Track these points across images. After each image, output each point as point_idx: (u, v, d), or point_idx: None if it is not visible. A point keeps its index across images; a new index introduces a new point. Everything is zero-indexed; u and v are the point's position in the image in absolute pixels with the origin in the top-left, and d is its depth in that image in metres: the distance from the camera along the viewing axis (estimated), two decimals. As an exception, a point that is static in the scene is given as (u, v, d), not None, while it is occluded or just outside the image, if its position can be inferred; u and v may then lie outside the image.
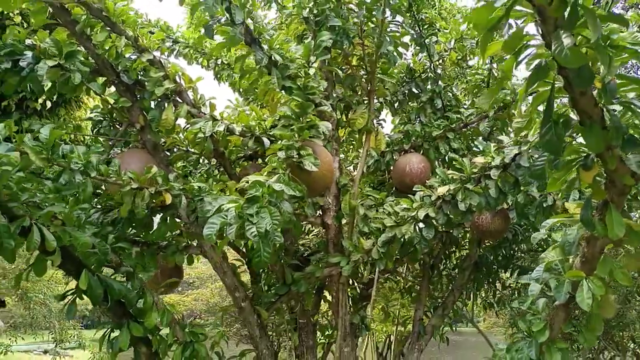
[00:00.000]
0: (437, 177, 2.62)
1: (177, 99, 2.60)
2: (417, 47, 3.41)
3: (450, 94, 3.61)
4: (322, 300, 3.55)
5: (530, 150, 2.12)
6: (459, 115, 3.36)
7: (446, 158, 3.40)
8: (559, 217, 1.78)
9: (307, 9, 2.37)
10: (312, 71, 2.27)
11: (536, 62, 1.20)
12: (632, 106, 1.20)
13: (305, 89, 2.26)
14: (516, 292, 4.75)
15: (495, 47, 1.24)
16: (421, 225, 2.56)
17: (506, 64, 1.30)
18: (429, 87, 3.56)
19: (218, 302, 9.89)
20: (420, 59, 3.51)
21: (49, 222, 1.90)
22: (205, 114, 2.62)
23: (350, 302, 3.27)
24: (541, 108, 1.27)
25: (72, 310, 2.24)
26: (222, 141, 2.68)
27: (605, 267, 1.56)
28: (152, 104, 2.57)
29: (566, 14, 1.00)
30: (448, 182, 2.53)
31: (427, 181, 2.93)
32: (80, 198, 2.05)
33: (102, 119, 2.92)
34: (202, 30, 2.11)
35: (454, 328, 4.70)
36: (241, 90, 3.34)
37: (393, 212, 2.73)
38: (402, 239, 2.62)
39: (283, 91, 2.32)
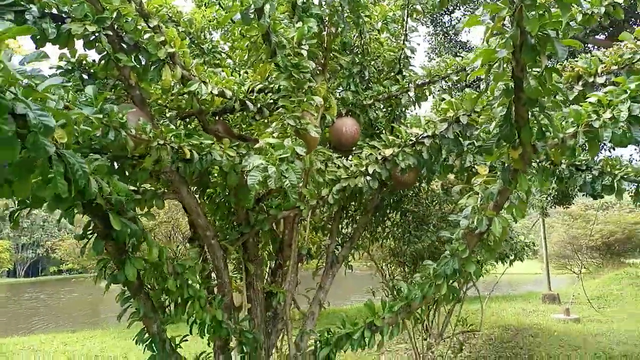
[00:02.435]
0: (382, 141, 3.40)
1: (170, 61, 2.87)
2: (353, 25, 4.03)
3: (374, 68, 4.36)
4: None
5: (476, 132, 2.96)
6: (383, 88, 4.14)
7: (372, 122, 4.19)
8: (480, 176, 2.71)
9: (300, -1, 2.85)
10: (304, 52, 2.79)
11: (503, 83, 1.99)
12: (549, 115, 2.08)
13: (299, 67, 2.78)
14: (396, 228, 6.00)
15: (480, 72, 1.99)
16: (369, 178, 3.34)
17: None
18: (357, 60, 4.26)
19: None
20: (355, 36, 4.15)
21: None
22: (194, 76, 2.95)
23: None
24: (500, 110, 2.08)
25: (99, 247, 2.55)
26: (210, 102, 3.05)
27: (510, 208, 2.52)
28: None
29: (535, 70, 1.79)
30: (391, 145, 3.33)
31: (358, 140, 3.74)
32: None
33: (70, 69, 3.00)
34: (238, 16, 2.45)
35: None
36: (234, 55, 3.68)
37: (343, 167, 3.45)
38: (351, 188, 3.38)
39: (277, 67, 2.80)
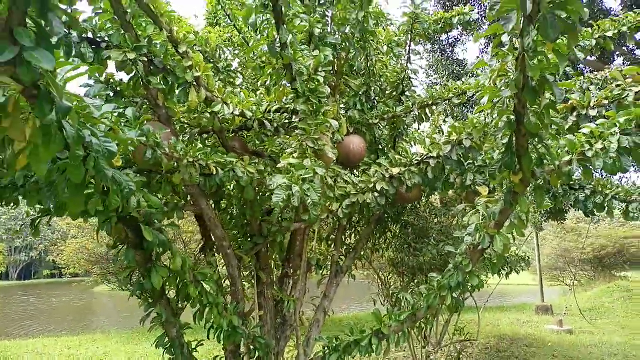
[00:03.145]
0: (388, 159, 3.63)
1: (195, 83, 3.09)
2: (361, 50, 4.28)
3: (379, 88, 4.60)
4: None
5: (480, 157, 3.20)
6: (388, 108, 4.38)
7: (378, 139, 4.42)
8: (482, 196, 2.94)
9: (317, 29, 3.08)
10: (321, 79, 3.02)
11: (506, 117, 2.22)
12: (546, 145, 2.31)
13: (316, 92, 3.01)
14: (396, 240, 6.22)
15: (487, 107, 2.22)
16: (376, 194, 3.56)
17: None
18: (362, 81, 4.50)
19: (104, 251, 9.85)
20: (362, 59, 4.39)
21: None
22: (217, 97, 3.17)
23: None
24: (504, 140, 2.32)
25: (130, 257, 2.75)
26: (230, 121, 3.27)
27: (510, 227, 2.75)
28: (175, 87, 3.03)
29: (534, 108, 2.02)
30: (397, 164, 3.55)
31: (364, 157, 3.98)
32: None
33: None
34: (265, 48, 2.68)
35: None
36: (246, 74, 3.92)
37: (352, 183, 3.67)
38: (360, 204, 3.60)
39: (295, 92, 3.03)
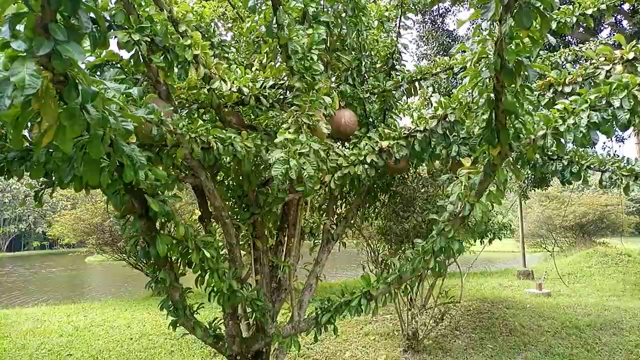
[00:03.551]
0: (378, 133, 3.82)
1: (194, 61, 3.22)
2: (352, 26, 4.39)
3: (369, 63, 4.74)
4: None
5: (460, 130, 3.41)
6: (378, 82, 4.54)
7: (368, 113, 4.59)
8: (464, 167, 3.16)
9: (311, 8, 3.21)
10: (315, 57, 3.16)
11: (486, 95, 2.42)
12: (522, 121, 2.52)
13: (310, 70, 3.16)
14: (385, 208, 6.48)
15: (470, 85, 2.41)
16: (367, 166, 3.77)
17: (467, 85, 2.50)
18: (354, 56, 4.63)
19: (99, 222, 10.02)
20: (353, 36, 4.51)
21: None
22: (215, 74, 3.31)
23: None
24: (485, 116, 2.52)
25: (137, 226, 2.94)
26: (228, 96, 3.42)
27: (490, 196, 2.99)
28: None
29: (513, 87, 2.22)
30: (386, 138, 3.75)
31: (355, 130, 4.16)
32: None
33: (100, 64, 3.32)
34: (263, 29, 2.81)
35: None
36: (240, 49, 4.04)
37: (344, 156, 3.87)
38: (351, 175, 3.80)
39: (290, 69, 3.17)
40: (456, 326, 7.11)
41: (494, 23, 1.99)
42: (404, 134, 3.71)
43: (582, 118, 2.57)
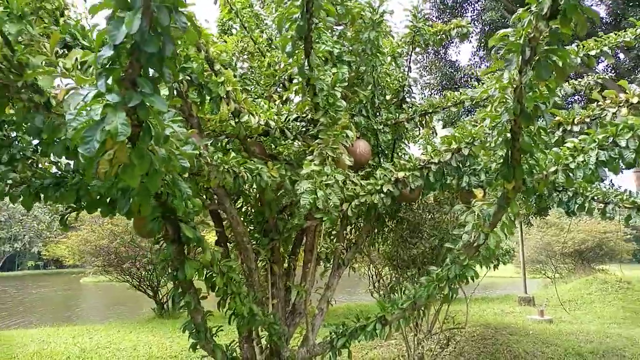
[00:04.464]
0: (393, 164, 4.02)
1: (226, 97, 3.43)
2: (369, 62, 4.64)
3: (382, 96, 4.98)
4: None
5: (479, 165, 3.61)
6: (391, 114, 4.77)
7: (379, 143, 4.81)
8: (478, 199, 3.35)
9: (336, 49, 3.45)
10: (338, 94, 3.39)
11: (504, 135, 2.62)
12: (535, 159, 2.73)
13: (334, 106, 3.38)
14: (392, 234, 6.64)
15: (490, 126, 2.62)
16: (383, 195, 3.96)
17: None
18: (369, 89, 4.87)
19: (107, 243, 10.12)
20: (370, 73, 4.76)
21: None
22: (244, 108, 3.52)
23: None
24: (501, 152, 2.72)
25: (170, 251, 3.10)
26: (254, 129, 3.62)
27: (502, 226, 3.17)
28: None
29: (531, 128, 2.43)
30: (402, 168, 3.95)
31: (369, 160, 4.36)
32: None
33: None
34: (288, 48, 3.02)
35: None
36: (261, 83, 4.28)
37: (360, 185, 4.06)
38: (367, 204, 3.99)
39: (316, 105, 3.39)
40: (461, 352, 7.19)
41: (513, 72, 2.21)
42: (419, 165, 3.91)
43: (590, 156, 2.78)
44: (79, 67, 2.33)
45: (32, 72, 2.30)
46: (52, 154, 3.33)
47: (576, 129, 3.17)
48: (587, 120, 3.14)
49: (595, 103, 3.11)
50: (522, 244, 14.22)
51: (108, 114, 1.49)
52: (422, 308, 3.79)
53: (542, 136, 2.52)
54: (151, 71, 1.62)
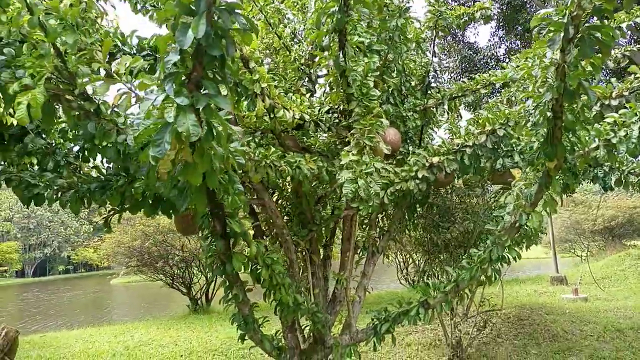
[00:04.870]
0: (427, 149, 4.05)
1: (260, 93, 3.50)
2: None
3: (409, 83, 4.99)
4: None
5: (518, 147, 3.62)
6: (418, 100, 4.78)
7: (407, 129, 4.83)
8: (518, 178, 3.36)
9: (366, 39, 3.49)
10: (371, 83, 3.43)
11: (546, 114, 2.63)
12: (577, 136, 2.73)
13: (367, 95, 3.42)
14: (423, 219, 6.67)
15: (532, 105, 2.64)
16: (418, 181, 3.99)
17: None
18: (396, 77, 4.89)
19: (140, 244, 10.38)
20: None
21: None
22: (278, 103, 3.59)
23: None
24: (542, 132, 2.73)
25: (219, 246, 3.20)
26: (289, 123, 3.69)
27: (544, 205, 3.18)
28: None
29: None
30: (436, 154, 3.97)
31: (400, 147, 4.38)
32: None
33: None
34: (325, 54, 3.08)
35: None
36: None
37: (394, 172, 4.10)
38: (403, 191, 4.03)
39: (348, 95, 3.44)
40: (498, 334, 7.20)
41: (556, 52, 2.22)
42: (453, 149, 3.93)
43: (633, 130, 2.76)
44: (130, 72, 2.43)
45: (86, 80, 2.41)
46: (97, 158, 3.48)
47: (614, 103, 3.15)
48: (626, 93, 3.11)
49: (633, 75, 3.09)
50: (551, 223, 14.06)
51: (179, 116, 1.57)
52: (465, 291, 3.83)
53: (585, 114, 2.52)
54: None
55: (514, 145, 3.98)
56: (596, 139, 2.91)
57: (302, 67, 4.71)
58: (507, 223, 3.37)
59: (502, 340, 6.99)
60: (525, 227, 3.39)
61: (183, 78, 1.68)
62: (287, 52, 4.81)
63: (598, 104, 3.23)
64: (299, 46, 4.93)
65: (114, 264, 13.01)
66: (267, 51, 5.23)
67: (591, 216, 16.29)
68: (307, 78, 4.74)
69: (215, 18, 1.54)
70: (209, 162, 1.92)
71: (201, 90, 1.64)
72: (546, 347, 6.69)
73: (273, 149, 3.22)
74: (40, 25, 2.31)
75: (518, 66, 4.20)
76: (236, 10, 1.61)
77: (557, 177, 3.03)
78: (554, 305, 8.79)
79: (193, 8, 1.51)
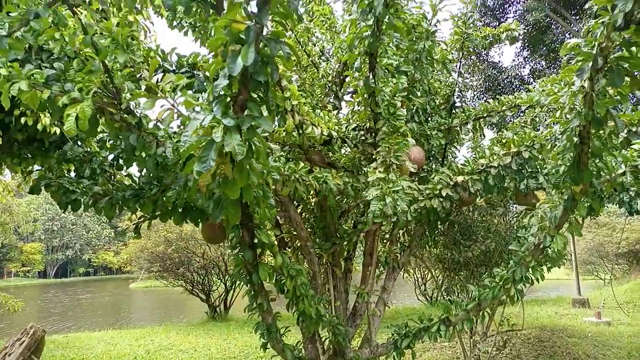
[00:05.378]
0: (451, 168, 4.11)
1: (290, 110, 3.63)
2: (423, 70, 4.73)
3: (434, 102, 5.07)
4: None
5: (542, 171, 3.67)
6: (443, 120, 4.85)
7: (430, 148, 4.89)
8: (543, 200, 3.39)
9: (394, 61, 3.60)
10: (398, 103, 3.52)
11: (572, 140, 2.68)
12: (603, 162, 2.77)
13: (394, 115, 3.52)
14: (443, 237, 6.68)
15: (559, 130, 2.69)
16: (441, 199, 4.05)
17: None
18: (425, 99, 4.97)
19: (162, 250, 10.59)
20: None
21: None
22: (307, 120, 3.71)
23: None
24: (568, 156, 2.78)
25: (247, 256, 3.31)
26: (317, 139, 3.81)
27: (569, 228, 3.21)
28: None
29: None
30: (460, 173, 4.03)
31: (423, 165, 4.45)
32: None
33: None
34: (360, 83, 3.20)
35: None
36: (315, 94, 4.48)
37: (418, 190, 4.17)
38: (426, 208, 4.09)
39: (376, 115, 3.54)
40: (517, 354, 7.12)
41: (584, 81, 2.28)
42: (478, 169, 3.98)
43: (659, 156, 2.79)
44: (174, 89, 2.57)
45: (131, 95, 2.56)
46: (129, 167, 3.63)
47: (642, 129, 3.17)
48: (654, 120, 3.13)
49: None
50: (574, 245, 13.83)
51: (226, 135, 1.69)
52: (487, 310, 3.85)
53: (612, 140, 2.57)
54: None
55: (538, 167, 4.01)
56: (623, 165, 2.94)
57: (329, 85, 4.84)
58: (531, 244, 3.40)
59: (522, 362, 6.91)
60: (549, 249, 3.41)
61: (228, 100, 1.80)
62: (315, 70, 4.95)
63: (625, 130, 3.25)
64: (327, 64, 5.06)
65: (135, 268, 13.24)
66: (295, 68, 5.38)
67: (615, 239, 15.93)
68: (333, 95, 4.86)
69: (262, 46, 1.66)
70: (247, 177, 2.03)
71: (245, 112, 1.75)
72: (567, 371, 6.58)
73: (302, 164, 3.32)
74: (92, 44, 2.47)
75: (544, 90, 4.24)
76: (281, 39, 1.73)
77: (582, 201, 3.06)
78: (576, 328, 8.64)
79: (242, 37, 1.63)
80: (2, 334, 10.69)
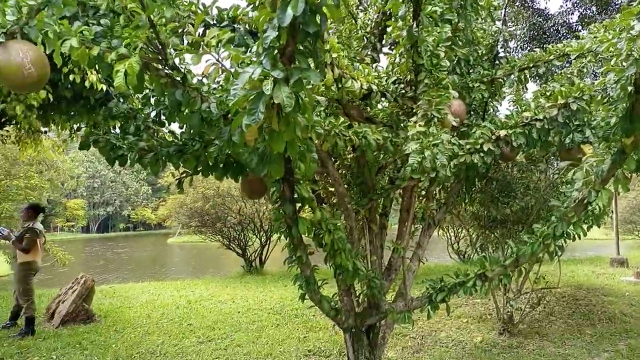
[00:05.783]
0: (493, 122, 4.01)
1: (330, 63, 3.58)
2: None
3: (476, 53, 4.88)
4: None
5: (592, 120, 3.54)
6: (486, 71, 4.68)
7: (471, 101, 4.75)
8: (589, 154, 3.29)
9: (439, 8, 3.47)
10: (442, 54, 3.42)
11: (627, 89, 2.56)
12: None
13: (437, 66, 3.43)
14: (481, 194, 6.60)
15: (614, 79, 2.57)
16: (482, 154, 3.98)
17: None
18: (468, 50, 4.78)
19: (201, 206, 10.92)
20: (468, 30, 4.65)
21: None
22: (347, 74, 3.66)
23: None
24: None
25: (288, 210, 3.39)
26: (356, 93, 3.76)
27: (616, 183, 3.12)
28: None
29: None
30: (503, 127, 3.92)
31: (464, 119, 4.34)
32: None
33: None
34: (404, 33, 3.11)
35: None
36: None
37: (458, 144, 4.10)
38: (467, 164, 4.03)
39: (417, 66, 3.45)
40: (551, 312, 7.13)
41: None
42: (522, 122, 3.87)
43: None
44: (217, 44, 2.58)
45: (179, 50, 2.58)
46: (178, 123, 3.70)
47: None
48: None
49: None
50: (616, 203, 13.43)
51: (275, 88, 1.70)
52: (523, 266, 3.83)
53: (670, 89, 2.43)
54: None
55: (586, 120, 3.86)
56: (680, 116, 2.79)
57: (367, 36, 4.72)
58: (574, 199, 3.33)
59: (555, 319, 6.92)
60: (592, 205, 3.33)
61: (276, 52, 1.80)
62: (353, 21, 4.83)
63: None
64: (365, 15, 4.92)
65: (173, 223, 13.76)
66: (331, 20, 5.25)
67: (660, 197, 15.35)
68: (371, 47, 4.75)
69: (311, -5, 1.63)
70: (293, 131, 2.05)
71: (293, 64, 1.75)
72: (602, 328, 6.56)
73: (342, 119, 3.31)
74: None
75: (596, 37, 4.01)
76: (328, -13, 1.69)
77: (632, 155, 2.95)
78: (613, 287, 8.53)
79: (291, -15, 1.61)
80: (53, 283, 11.44)
